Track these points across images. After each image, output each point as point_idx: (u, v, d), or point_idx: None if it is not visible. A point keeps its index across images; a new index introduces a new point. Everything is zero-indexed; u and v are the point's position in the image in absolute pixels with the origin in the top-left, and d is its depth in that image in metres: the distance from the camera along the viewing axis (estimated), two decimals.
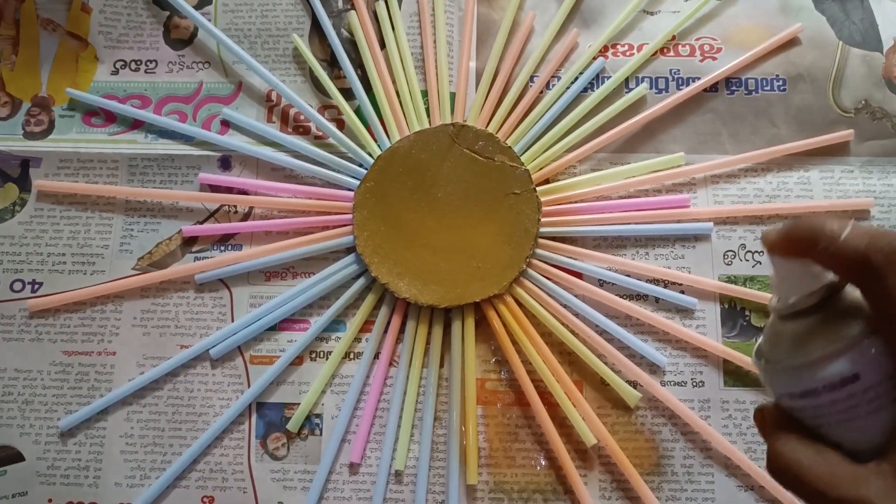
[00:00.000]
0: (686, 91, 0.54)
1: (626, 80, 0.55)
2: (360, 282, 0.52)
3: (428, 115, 0.54)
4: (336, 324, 0.52)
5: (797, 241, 0.29)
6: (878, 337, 0.27)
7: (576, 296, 0.51)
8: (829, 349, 0.28)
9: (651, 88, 0.55)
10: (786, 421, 0.30)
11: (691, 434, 0.49)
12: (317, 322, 0.51)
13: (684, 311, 0.51)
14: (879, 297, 0.27)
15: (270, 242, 0.53)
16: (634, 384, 0.50)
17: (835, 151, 0.53)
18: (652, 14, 0.56)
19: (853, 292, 0.29)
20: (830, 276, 0.29)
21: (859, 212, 0.52)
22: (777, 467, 0.29)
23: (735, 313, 0.51)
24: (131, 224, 0.54)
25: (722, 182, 0.53)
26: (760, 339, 0.31)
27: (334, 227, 0.53)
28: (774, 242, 0.29)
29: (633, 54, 0.55)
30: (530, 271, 0.51)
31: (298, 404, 0.50)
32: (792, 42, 0.55)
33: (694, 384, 0.50)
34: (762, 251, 0.52)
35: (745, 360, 0.49)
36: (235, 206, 0.54)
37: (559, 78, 0.55)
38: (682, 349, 0.51)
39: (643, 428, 0.49)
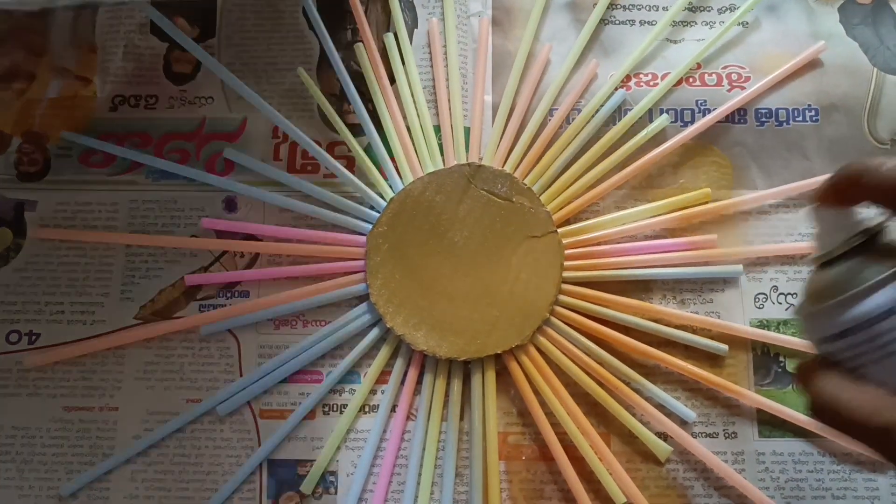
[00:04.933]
0: (705, 121, 0.51)
1: (650, 112, 0.52)
2: (375, 331, 0.49)
3: (441, 153, 0.52)
4: (350, 375, 0.49)
5: (844, 180, 0.30)
6: None
7: (600, 345, 0.48)
8: (868, 283, 0.28)
9: (676, 121, 0.52)
10: (827, 366, 0.30)
11: (725, 489, 0.47)
12: (330, 374, 0.49)
13: (714, 359, 0.49)
14: None
15: (278, 288, 0.50)
16: (664, 436, 0.47)
17: None
18: (675, 42, 0.54)
19: (892, 233, 0.30)
20: (870, 222, 0.30)
21: None
22: (819, 405, 0.29)
23: (768, 359, 0.49)
24: (132, 270, 0.51)
25: (751, 219, 0.51)
26: (799, 298, 0.32)
27: (345, 274, 0.50)
28: (822, 190, 0.31)
29: (657, 83, 0.53)
30: (553, 319, 0.49)
31: (311, 461, 0.48)
32: (824, 70, 0.53)
33: (726, 435, 0.48)
34: (795, 293, 0.49)
35: (781, 409, 0.47)
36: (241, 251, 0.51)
37: (579, 111, 0.52)
38: (713, 398, 0.48)
39: (675, 483, 0.47)
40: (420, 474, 0.47)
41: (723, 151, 0.52)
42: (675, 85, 0.52)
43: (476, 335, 0.48)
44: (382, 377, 0.49)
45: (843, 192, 0.31)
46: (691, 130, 0.51)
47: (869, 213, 0.31)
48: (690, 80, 0.53)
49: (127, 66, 0.54)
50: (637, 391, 0.48)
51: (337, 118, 0.52)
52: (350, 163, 0.52)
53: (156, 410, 0.49)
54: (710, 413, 0.48)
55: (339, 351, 0.49)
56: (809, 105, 0.52)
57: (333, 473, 0.48)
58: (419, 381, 0.49)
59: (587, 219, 0.51)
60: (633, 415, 0.47)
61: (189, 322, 0.50)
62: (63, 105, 0.54)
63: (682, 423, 0.48)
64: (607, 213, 0.51)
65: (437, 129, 0.52)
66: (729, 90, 0.53)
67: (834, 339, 0.30)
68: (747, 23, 0.54)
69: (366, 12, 0.54)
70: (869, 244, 0.30)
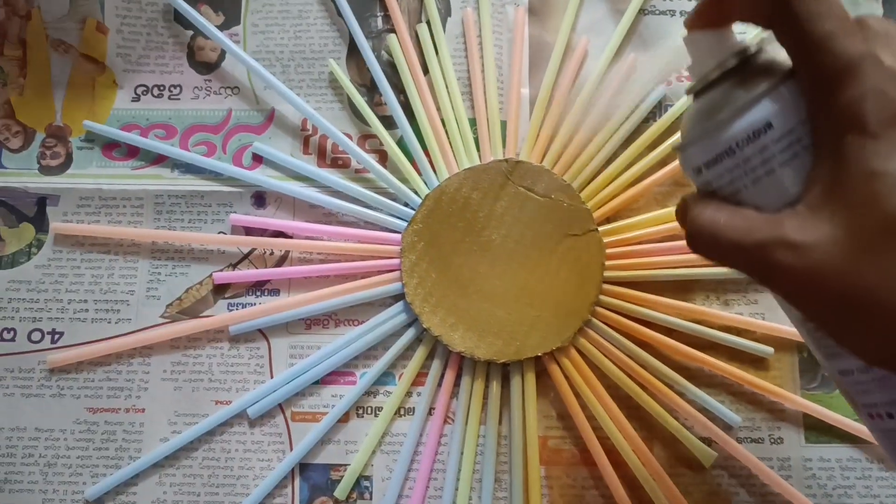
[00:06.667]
0: None
1: None
2: (411, 332, 0.48)
3: (477, 148, 0.50)
4: (385, 377, 0.48)
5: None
6: (790, 82, 0.27)
7: (642, 347, 0.47)
8: (740, 103, 0.27)
9: None
10: (704, 196, 0.30)
11: (771, 496, 0.46)
12: (364, 375, 0.47)
13: (759, 362, 0.47)
14: (795, 29, 0.27)
15: (309, 286, 0.49)
16: (708, 441, 0.46)
17: None
18: None
19: (767, 55, 0.29)
20: (744, 43, 0.29)
21: None
22: (694, 233, 0.29)
23: (815, 363, 0.47)
24: (158, 267, 0.50)
25: None
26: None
27: (380, 273, 0.48)
28: (695, 12, 0.30)
29: None
30: (594, 320, 0.47)
31: (345, 465, 0.46)
32: None
33: (772, 441, 0.47)
34: None
35: (828, 414, 0.46)
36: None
37: (618, 106, 0.51)
38: (758, 402, 0.47)
39: (719, 489, 0.46)
40: (458, 479, 0.46)
41: None
42: None
43: (515, 336, 0.46)
44: (419, 379, 0.48)
45: (715, 10, 0.30)
46: None
47: (744, 35, 0.29)
48: None
49: (150, 55, 0.52)
50: (680, 394, 0.46)
51: (368, 110, 0.50)
52: (382, 157, 0.51)
53: (184, 412, 0.48)
54: (754, 417, 0.47)
55: (373, 352, 0.48)
56: None
57: (368, 478, 0.46)
58: (456, 384, 0.47)
59: (628, 216, 0.49)
60: (676, 419, 0.46)
61: (217, 321, 0.48)
62: (83, 95, 0.52)
63: (727, 427, 0.46)
64: (648, 211, 0.49)
65: (473, 122, 0.50)
66: None
67: (709, 166, 0.29)
68: None
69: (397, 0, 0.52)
70: (744, 66, 0.29)
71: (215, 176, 0.50)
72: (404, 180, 0.50)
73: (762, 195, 0.28)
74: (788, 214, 0.27)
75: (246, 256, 0.50)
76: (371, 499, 0.46)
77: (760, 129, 0.27)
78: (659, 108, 0.51)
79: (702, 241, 0.29)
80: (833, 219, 0.25)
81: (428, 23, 0.52)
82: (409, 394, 0.48)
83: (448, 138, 0.50)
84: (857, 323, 0.25)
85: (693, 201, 0.30)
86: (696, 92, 0.30)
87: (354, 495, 0.46)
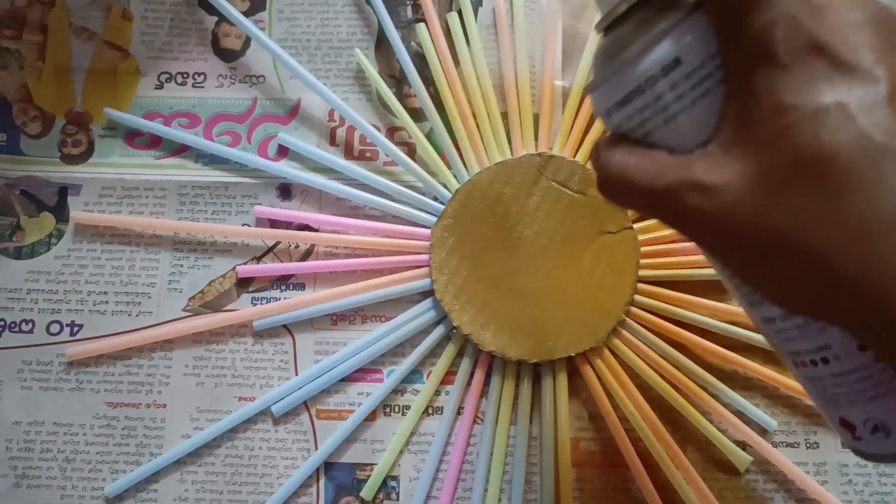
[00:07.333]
0: None
1: None
2: (440, 329, 0.47)
3: (509, 141, 0.49)
4: (413, 375, 0.47)
5: None
6: (699, 15, 0.26)
7: (677, 348, 0.46)
8: (647, 37, 0.26)
9: None
10: (615, 139, 0.28)
11: (807, 501, 0.45)
12: (392, 373, 0.46)
13: None
14: None
15: (336, 281, 0.48)
16: (743, 445, 0.45)
17: None
18: None
19: None
20: None
21: None
22: (604, 179, 0.27)
23: None
24: (180, 259, 0.48)
25: None
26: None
27: (409, 268, 0.47)
28: None
29: None
30: (628, 321, 0.46)
31: (372, 465, 0.45)
32: None
33: (808, 445, 0.46)
34: None
35: None
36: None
37: None
38: (794, 406, 0.46)
39: (754, 494, 0.45)
40: (487, 481, 0.45)
41: None
42: None
43: (547, 336, 0.45)
44: (447, 378, 0.47)
45: None
46: None
47: None
48: None
49: (174, 41, 0.51)
50: (715, 397, 0.45)
51: (396, 102, 0.49)
52: (410, 150, 0.49)
53: (206, 408, 0.47)
54: (790, 421, 0.46)
55: (401, 349, 0.47)
56: None
57: (395, 478, 0.45)
58: (486, 383, 0.46)
59: None
60: (711, 422, 0.45)
61: (241, 315, 0.47)
62: (105, 82, 0.51)
63: (762, 431, 0.45)
64: None
65: (504, 115, 0.49)
66: None
67: (618, 107, 0.27)
68: None
69: None
70: None
71: (240, 167, 0.49)
72: (433, 174, 0.49)
73: (675, 136, 0.26)
74: (700, 155, 0.25)
75: (270, 249, 0.48)
76: (398, 499, 0.45)
77: (669, 64, 0.25)
78: None
79: (612, 186, 0.27)
80: (744, 158, 0.24)
81: (459, 12, 0.50)
82: (437, 392, 0.47)
83: (479, 132, 0.49)
84: (772, 268, 0.24)
85: (604, 145, 0.28)
86: (605, 28, 0.28)
87: (381, 496, 0.45)
